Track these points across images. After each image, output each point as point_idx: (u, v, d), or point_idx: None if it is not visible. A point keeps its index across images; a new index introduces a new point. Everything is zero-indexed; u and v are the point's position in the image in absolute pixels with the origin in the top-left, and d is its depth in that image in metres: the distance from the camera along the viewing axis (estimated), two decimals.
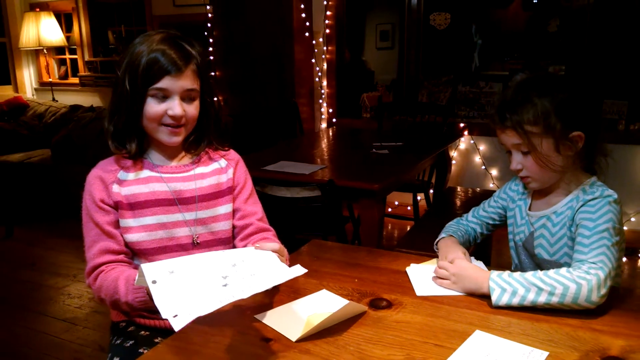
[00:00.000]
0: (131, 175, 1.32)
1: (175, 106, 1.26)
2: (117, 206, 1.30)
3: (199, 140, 1.39)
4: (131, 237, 1.30)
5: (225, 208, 1.40)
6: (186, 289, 0.99)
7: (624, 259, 3.29)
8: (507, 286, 1.13)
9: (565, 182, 1.30)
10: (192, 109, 1.30)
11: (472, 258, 1.36)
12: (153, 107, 1.26)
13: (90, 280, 1.28)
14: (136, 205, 1.30)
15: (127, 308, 1.22)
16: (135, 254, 1.33)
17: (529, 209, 1.39)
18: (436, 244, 1.46)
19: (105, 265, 1.27)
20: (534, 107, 1.21)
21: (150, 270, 1.01)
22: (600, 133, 1.27)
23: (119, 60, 1.30)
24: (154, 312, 1.31)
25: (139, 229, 1.30)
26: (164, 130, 1.29)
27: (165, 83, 1.24)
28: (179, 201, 1.34)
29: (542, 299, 1.11)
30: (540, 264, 1.36)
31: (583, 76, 3.69)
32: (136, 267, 1.31)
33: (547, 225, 1.33)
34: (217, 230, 1.38)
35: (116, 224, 1.30)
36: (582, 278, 1.10)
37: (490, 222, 1.52)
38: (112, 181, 1.30)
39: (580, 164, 1.29)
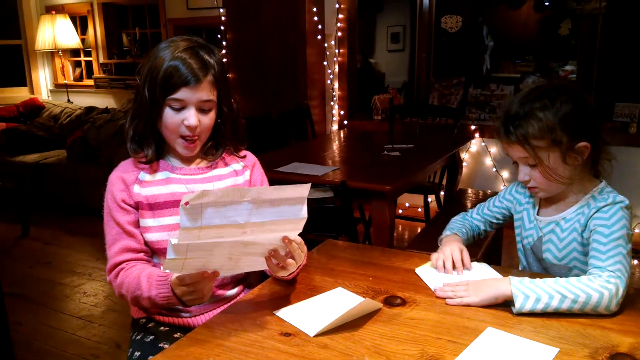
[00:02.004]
0: (151, 177, 1.36)
1: (190, 116, 1.28)
2: (137, 206, 1.34)
3: (217, 146, 1.42)
4: (150, 236, 1.34)
5: None
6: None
7: (635, 262, 3.30)
8: (531, 292, 1.14)
9: (574, 188, 1.31)
10: (207, 119, 1.32)
11: (475, 262, 1.39)
12: (170, 117, 1.29)
13: (112, 277, 1.33)
14: (156, 206, 1.34)
15: (148, 304, 1.26)
16: (154, 253, 1.37)
17: (537, 214, 1.41)
18: (440, 240, 1.49)
19: (126, 263, 1.32)
20: (538, 122, 1.22)
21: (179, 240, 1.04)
22: (604, 140, 1.27)
23: (141, 65, 1.33)
24: (173, 310, 1.36)
25: (158, 228, 1.34)
26: (180, 142, 1.33)
27: (182, 94, 1.27)
28: None
29: (565, 306, 1.13)
30: (547, 268, 1.38)
31: (589, 81, 3.70)
32: (155, 265, 1.35)
33: (556, 230, 1.34)
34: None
35: (136, 224, 1.34)
36: (605, 287, 1.13)
37: (494, 221, 1.55)
38: (133, 182, 1.34)
39: (587, 170, 1.30)
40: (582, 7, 3.64)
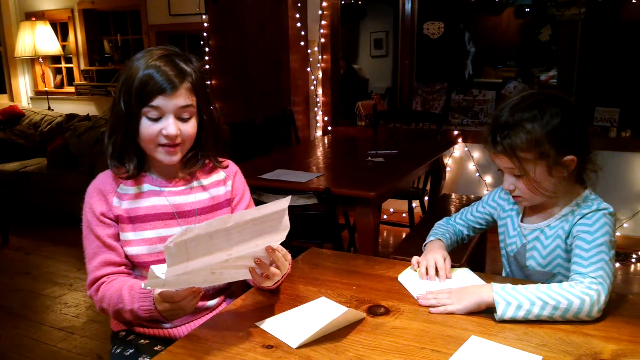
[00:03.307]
0: (131, 189, 1.33)
1: (169, 125, 1.25)
2: (117, 220, 1.32)
3: (197, 156, 1.39)
4: (131, 250, 1.32)
5: None
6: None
7: (617, 265, 3.33)
8: (512, 299, 1.14)
9: (558, 196, 1.30)
10: (188, 127, 1.29)
11: (457, 268, 1.39)
12: (147, 127, 1.25)
13: (92, 292, 1.30)
14: (136, 219, 1.32)
15: (130, 317, 1.24)
16: (135, 266, 1.35)
17: (521, 221, 1.41)
18: (424, 246, 1.49)
19: (107, 277, 1.29)
20: (527, 134, 1.21)
21: (160, 268, 1.05)
22: (590, 153, 1.27)
23: (116, 77, 1.30)
24: (154, 321, 1.33)
25: (138, 242, 1.32)
26: (161, 150, 1.28)
27: (158, 102, 1.23)
28: (179, 215, 1.35)
29: (546, 312, 1.13)
30: (530, 275, 1.38)
31: (569, 86, 3.75)
32: (137, 277, 1.33)
33: (540, 237, 1.35)
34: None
35: (117, 237, 1.32)
36: (586, 294, 1.13)
37: (477, 226, 1.56)
38: (112, 195, 1.32)
39: (572, 181, 1.30)
40: (562, 13, 3.68)
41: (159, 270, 1.05)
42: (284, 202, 1.09)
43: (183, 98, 1.25)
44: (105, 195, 1.31)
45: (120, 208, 1.31)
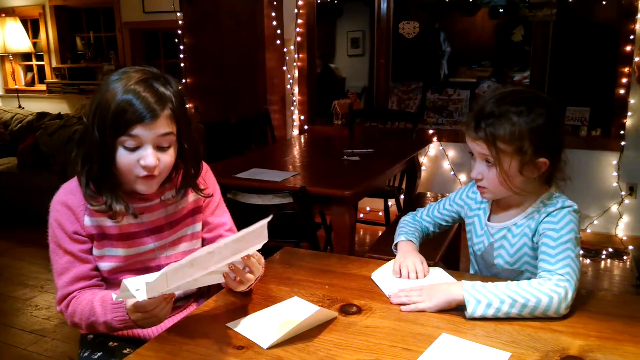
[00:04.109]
0: (102, 207, 1.24)
1: (147, 156, 1.16)
2: (90, 237, 1.27)
3: (177, 186, 1.31)
4: (103, 265, 1.29)
5: (196, 227, 1.41)
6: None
7: (588, 261, 3.40)
8: (482, 297, 1.15)
9: (524, 195, 1.31)
10: (167, 157, 1.21)
11: (430, 268, 1.40)
12: (124, 157, 1.17)
13: (62, 307, 1.27)
14: (109, 237, 1.28)
15: (104, 329, 1.21)
16: (105, 280, 1.32)
17: (488, 219, 1.42)
18: (395, 246, 1.48)
19: (77, 291, 1.26)
20: (511, 126, 1.22)
21: (133, 282, 1.04)
22: (563, 160, 1.29)
23: (89, 99, 1.21)
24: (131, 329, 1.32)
25: (110, 258, 1.29)
26: (138, 181, 1.21)
27: (136, 131, 1.14)
28: (151, 231, 1.32)
29: (515, 310, 1.14)
30: (498, 273, 1.39)
31: (541, 85, 3.81)
32: (107, 289, 1.30)
33: (507, 236, 1.36)
34: (189, 249, 1.38)
35: (90, 251, 1.28)
36: (554, 291, 1.14)
37: (443, 223, 1.57)
38: (82, 212, 1.24)
39: (539, 183, 1.31)
40: (534, 14, 3.74)
41: (132, 284, 1.04)
42: (264, 220, 1.09)
43: (163, 127, 1.17)
44: (75, 214, 1.24)
45: (93, 227, 1.26)
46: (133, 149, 1.17)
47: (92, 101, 1.18)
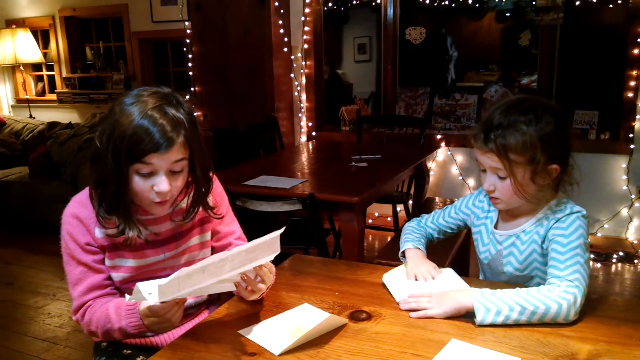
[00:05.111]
0: (113, 222, 1.27)
1: (161, 182, 1.19)
2: (102, 248, 1.29)
3: (188, 209, 1.33)
4: (114, 275, 1.31)
5: (205, 236, 1.42)
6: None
7: (598, 265, 3.38)
8: (492, 305, 1.15)
9: (533, 202, 1.31)
10: (179, 182, 1.23)
11: (442, 269, 1.41)
12: (138, 183, 1.19)
13: (78, 317, 1.29)
14: (118, 248, 1.30)
15: (120, 335, 1.24)
16: (118, 290, 1.34)
17: (495, 227, 1.42)
18: (402, 254, 1.48)
19: (92, 300, 1.29)
20: (522, 135, 1.22)
21: (146, 285, 1.06)
22: (572, 165, 1.29)
23: (101, 121, 1.22)
24: (146, 336, 1.33)
25: (121, 269, 1.31)
26: (151, 205, 1.24)
27: (151, 160, 1.16)
28: (160, 242, 1.34)
29: (525, 317, 1.15)
30: (508, 280, 1.39)
31: (549, 89, 3.80)
32: (122, 296, 1.32)
33: (516, 243, 1.36)
34: (199, 257, 1.40)
35: (102, 261, 1.30)
36: (563, 298, 1.14)
37: (449, 230, 1.56)
38: (93, 224, 1.27)
39: (550, 189, 1.31)
40: (541, 18, 3.74)
41: (145, 288, 1.06)
42: (277, 231, 1.10)
43: (176, 154, 1.18)
44: (86, 226, 1.27)
45: (104, 239, 1.28)
46: (147, 175, 1.19)
47: (106, 124, 1.18)
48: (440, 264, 1.44)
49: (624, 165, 3.47)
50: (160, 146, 1.14)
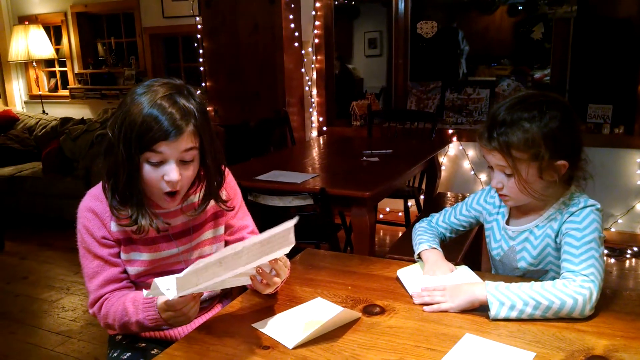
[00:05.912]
0: (126, 212, 1.27)
1: (171, 171, 1.19)
2: (117, 242, 1.31)
3: (199, 200, 1.34)
4: (129, 269, 1.32)
5: (219, 230, 1.43)
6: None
7: (612, 260, 3.35)
8: (506, 299, 1.14)
9: (542, 199, 1.30)
10: (189, 171, 1.23)
11: (458, 266, 1.40)
12: (149, 172, 1.20)
13: (95, 310, 1.30)
14: (133, 242, 1.31)
15: (137, 328, 1.25)
16: (133, 284, 1.35)
17: (507, 223, 1.41)
18: (418, 255, 1.46)
19: (109, 294, 1.30)
20: (524, 133, 1.21)
21: (163, 281, 1.06)
22: (581, 160, 1.27)
23: (113, 113, 1.22)
24: (162, 329, 1.34)
25: (136, 263, 1.32)
26: (162, 197, 1.25)
27: (161, 148, 1.16)
28: (174, 236, 1.35)
29: (539, 312, 1.14)
30: (522, 275, 1.38)
31: (563, 83, 3.76)
32: (137, 289, 1.33)
33: (529, 238, 1.35)
34: (212, 252, 1.40)
35: (118, 255, 1.31)
36: (579, 293, 1.13)
37: (461, 228, 1.55)
38: (109, 218, 1.28)
39: (561, 185, 1.29)
40: (554, 11, 3.71)
41: (162, 283, 1.06)
42: (290, 222, 1.10)
43: (186, 142, 1.18)
44: (102, 219, 1.28)
45: (119, 232, 1.29)
46: (157, 164, 1.19)
47: (118, 114, 1.19)
48: (453, 260, 1.43)
49: (639, 160, 3.43)
50: (169, 134, 1.14)
